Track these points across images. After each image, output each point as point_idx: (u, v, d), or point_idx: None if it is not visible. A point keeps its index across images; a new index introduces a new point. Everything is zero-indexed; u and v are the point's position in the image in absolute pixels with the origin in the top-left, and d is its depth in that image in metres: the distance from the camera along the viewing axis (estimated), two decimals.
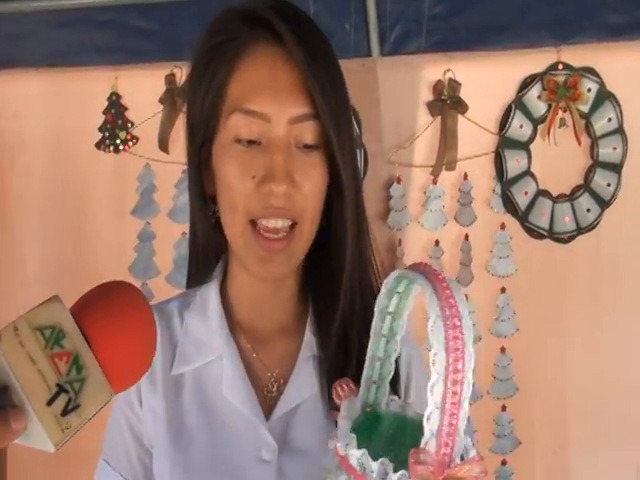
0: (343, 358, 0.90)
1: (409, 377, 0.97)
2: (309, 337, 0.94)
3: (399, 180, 1.71)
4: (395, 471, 0.60)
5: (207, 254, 1.00)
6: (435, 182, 1.72)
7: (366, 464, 0.61)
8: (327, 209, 0.91)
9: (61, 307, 0.62)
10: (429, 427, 0.57)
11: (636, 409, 1.80)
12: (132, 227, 1.77)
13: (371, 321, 0.88)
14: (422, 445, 0.58)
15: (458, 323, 0.58)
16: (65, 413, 0.59)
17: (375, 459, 0.62)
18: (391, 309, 0.71)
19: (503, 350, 1.76)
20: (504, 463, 1.76)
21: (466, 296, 1.69)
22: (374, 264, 0.95)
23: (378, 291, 1.03)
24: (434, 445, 0.57)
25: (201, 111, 0.88)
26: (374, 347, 0.73)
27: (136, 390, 0.93)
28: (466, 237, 1.75)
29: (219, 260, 1.00)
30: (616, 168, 1.81)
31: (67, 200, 1.61)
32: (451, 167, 1.73)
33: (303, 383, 0.92)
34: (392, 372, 0.74)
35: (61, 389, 0.59)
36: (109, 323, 0.65)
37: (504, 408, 1.76)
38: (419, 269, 0.64)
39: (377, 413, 0.74)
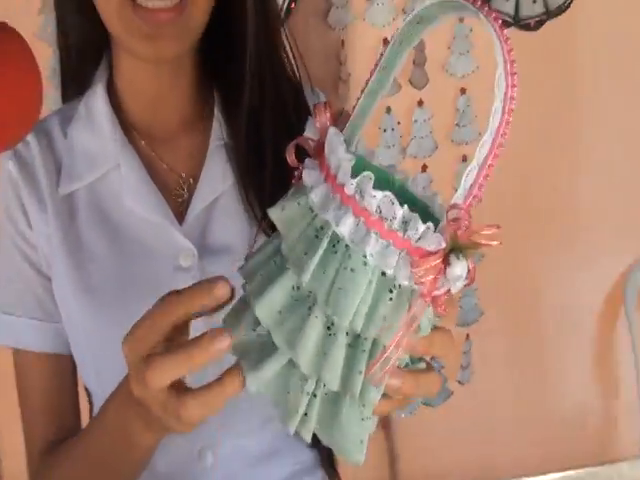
0: (256, 144, 0.82)
1: None
2: (217, 126, 0.85)
3: None
4: None
5: (83, 54, 0.89)
6: None
7: (387, 207, 0.47)
8: None
9: None
10: (467, 183, 0.49)
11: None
12: None
13: (289, 116, 0.84)
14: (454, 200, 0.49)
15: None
16: None
17: None
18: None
19: (464, 159, 1.60)
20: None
21: (420, 101, 1.52)
22: (290, 52, 0.88)
23: (298, 84, 0.89)
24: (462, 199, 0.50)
25: None
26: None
27: (24, 218, 0.86)
28: None
29: (100, 61, 0.88)
30: None
31: None
32: None
33: (216, 176, 0.84)
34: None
35: None
36: None
37: None
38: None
39: (364, 160, 0.56)
